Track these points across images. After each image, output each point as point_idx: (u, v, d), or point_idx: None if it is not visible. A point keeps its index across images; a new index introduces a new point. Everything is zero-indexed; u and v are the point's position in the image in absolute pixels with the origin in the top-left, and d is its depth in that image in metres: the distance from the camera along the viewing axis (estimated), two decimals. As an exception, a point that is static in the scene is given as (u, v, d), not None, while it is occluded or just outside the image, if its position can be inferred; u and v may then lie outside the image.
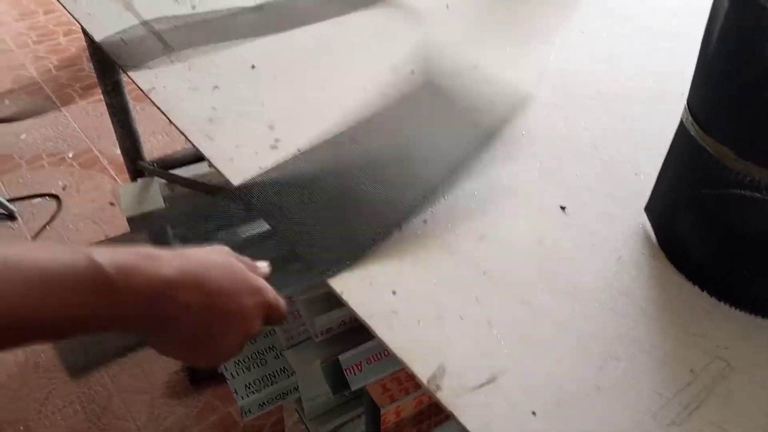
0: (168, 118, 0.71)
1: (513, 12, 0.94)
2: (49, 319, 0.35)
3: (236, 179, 0.62)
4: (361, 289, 0.52)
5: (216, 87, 0.74)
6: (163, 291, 0.40)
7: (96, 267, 0.36)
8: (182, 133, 0.69)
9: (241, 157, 0.65)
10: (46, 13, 2.74)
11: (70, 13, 0.89)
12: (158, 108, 0.73)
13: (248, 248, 0.51)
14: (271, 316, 0.48)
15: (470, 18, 0.93)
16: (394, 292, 0.52)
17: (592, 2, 0.97)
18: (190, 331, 0.42)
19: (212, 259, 0.44)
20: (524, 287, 0.52)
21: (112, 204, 1.82)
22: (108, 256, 0.37)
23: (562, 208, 0.60)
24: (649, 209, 0.59)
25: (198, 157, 1.15)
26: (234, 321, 0.45)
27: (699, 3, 0.96)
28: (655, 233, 0.57)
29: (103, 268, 0.36)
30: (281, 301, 0.49)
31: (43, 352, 1.39)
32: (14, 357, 1.38)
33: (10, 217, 1.80)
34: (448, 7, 0.96)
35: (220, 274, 0.44)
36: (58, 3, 0.93)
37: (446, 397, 0.44)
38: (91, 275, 0.36)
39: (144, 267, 0.39)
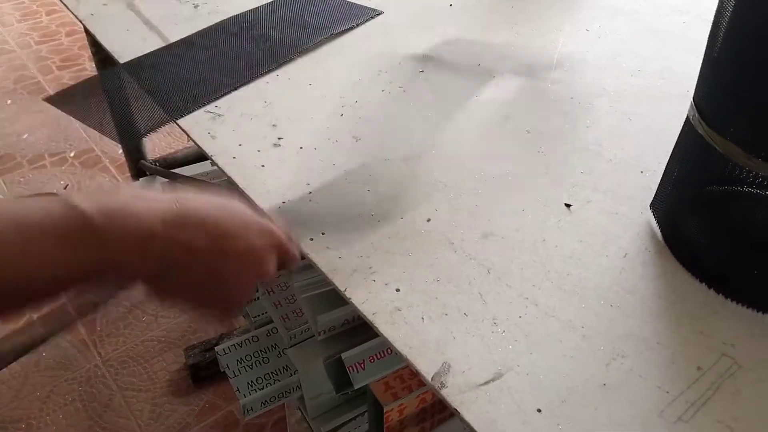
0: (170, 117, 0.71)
1: (517, 11, 0.94)
2: (38, 274, 0.33)
3: (238, 176, 0.62)
4: (365, 286, 0.52)
5: (219, 84, 0.74)
6: (158, 232, 0.37)
7: (78, 214, 0.34)
8: (184, 131, 0.69)
9: (244, 155, 0.65)
10: (48, 14, 2.74)
11: (73, 14, 0.89)
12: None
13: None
14: (284, 258, 0.46)
15: (473, 16, 0.93)
16: (397, 290, 0.51)
17: (597, 1, 0.97)
18: (200, 275, 0.40)
19: (209, 199, 0.41)
20: (529, 285, 0.52)
21: (114, 203, 1.82)
22: (92, 201, 0.35)
23: (567, 205, 0.60)
24: (654, 206, 0.59)
25: (200, 156, 1.15)
26: (246, 262, 0.43)
27: (704, 1, 0.96)
28: (661, 230, 0.57)
29: (86, 214, 0.34)
30: (293, 243, 0.47)
31: (44, 350, 1.39)
32: (16, 356, 1.38)
33: (12, 216, 1.80)
34: (451, 5, 0.95)
35: (223, 215, 0.41)
36: (60, 3, 0.93)
37: (451, 394, 0.44)
38: (75, 223, 0.33)
39: (133, 208, 0.36)
